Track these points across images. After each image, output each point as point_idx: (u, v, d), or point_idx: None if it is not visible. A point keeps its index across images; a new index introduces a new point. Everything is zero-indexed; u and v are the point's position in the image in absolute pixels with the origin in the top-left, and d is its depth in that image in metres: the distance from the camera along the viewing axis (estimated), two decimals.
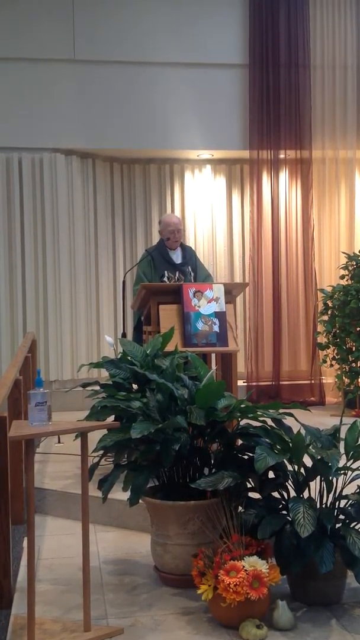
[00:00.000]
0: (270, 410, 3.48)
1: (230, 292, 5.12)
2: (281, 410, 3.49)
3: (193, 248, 6.28)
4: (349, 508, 3.25)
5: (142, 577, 3.56)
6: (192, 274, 5.61)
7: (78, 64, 7.73)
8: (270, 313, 8.04)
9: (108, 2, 7.74)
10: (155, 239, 8.22)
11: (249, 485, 3.39)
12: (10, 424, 3.17)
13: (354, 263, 7.29)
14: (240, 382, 6.37)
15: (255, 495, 3.37)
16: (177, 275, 5.53)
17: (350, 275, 7.31)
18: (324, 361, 7.32)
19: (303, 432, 3.31)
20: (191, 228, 8.39)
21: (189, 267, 5.62)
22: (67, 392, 6.67)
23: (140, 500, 3.38)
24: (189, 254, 5.75)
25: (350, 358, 7.06)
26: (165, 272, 5.53)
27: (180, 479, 3.57)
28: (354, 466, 3.28)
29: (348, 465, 3.25)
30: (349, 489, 3.30)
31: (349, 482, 3.30)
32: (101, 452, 3.56)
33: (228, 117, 7.98)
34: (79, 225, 7.90)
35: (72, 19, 7.66)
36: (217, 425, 3.50)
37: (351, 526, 3.17)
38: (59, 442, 5.88)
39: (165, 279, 5.50)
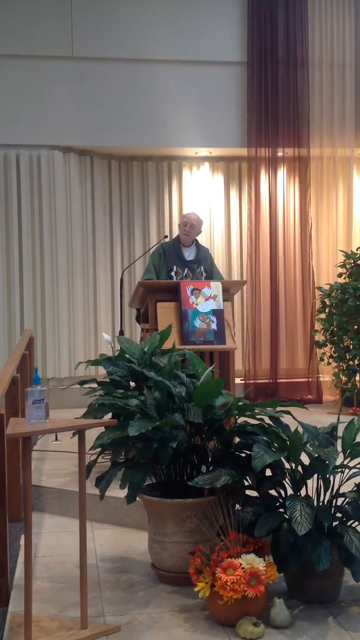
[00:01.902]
0: (268, 408, 3.48)
1: (228, 290, 5.12)
2: (279, 408, 3.49)
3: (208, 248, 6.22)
4: (346, 506, 3.25)
5: (139, 575, 3.56)
6: (205, 274, 5.57)
7: (76, 61, 7.71)
8: (268, 311, 8.05)
9: None
10: (153, 236, 8.25)
11: (246, 483, 3.39)
12: (7, 422, 3.17)
13: (352, 261, 7.29)
14: (237, 380, 6.36)
15: (252, 493, 3.37)
16: (185, 271, 5.50)
17: (347, 273, 7.32)
18: (322, 359, 7.32)
19: (300, 430, 3.31)
20: None
21: (202, 267, 5.58)
22: (65, 389, 6.66)
23: (137, 498, 3.38)
24: (204, 254, 5.70)
25: (347, 356, 7.06)
26: (175, 266, 5.51)
27: (177, 477, 3.57)
28: (351, 464, 3.28)
29: (345, 463, 3.25)
30: (346, 487, 3.30)
31: (346, 480, 3.31)
32: (98, 449, 3.56)
33: (226, 114, 7.97)
34: (76, 223, 7.90)
35: (70, 16, 7.65)
36: (214, 423, 3.50)
37: (348, 524, 3.17)
38: (56, 439, 5.88)
39: (173, 273, 5.49)
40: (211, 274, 5.61)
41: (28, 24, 7.58)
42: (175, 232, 6.11)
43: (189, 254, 5.62)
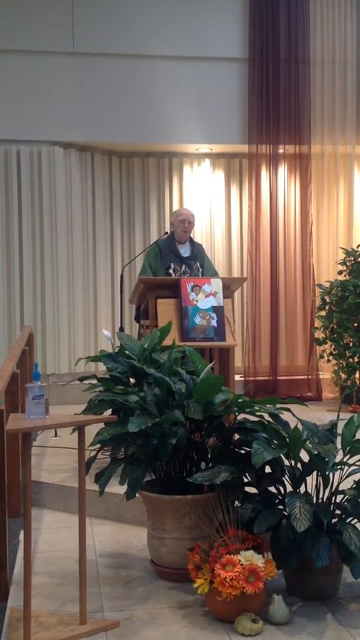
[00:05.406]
0: (268, 405, 3.48)
1: (228, 286, 5.12)
2: (278, 405, 3.50)
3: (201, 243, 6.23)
4: (345, 503, 3.26)
5: (139, 571, 3.57)
6: (201, 269, 5.59)
7: (77, 57, 7.70)
8: (268, 308, 8.05)
9: None
10: (153, 233, 8.24)
11: (245, 480, 3.40)
12: (7, 417, 3.17)
13: (352, 258, 7.29)
14: (237, 377, 6.36)
15: (252, 489, 3.37)
16: (183, 268, 5.50)
17: (348, 270, 7.32)
18: (321, 356, 7.32)
19: (300, 427, 3.31)
20: None
21: (198, 263, 5.60)
22: (65, 385, 6.67)
23: (137, 494, 3.39)
24: (198, 250, 5.72)
25: (347, 354, 7.06)
26: (172, 264, 5.51)
27: (177, 473, 3.57)
28: (351, 461, 3.28)
29: (345, 460, 3.26)
30: (346, 484, 3.31)
31: (346, 477, 3.31)
32: (98, 445, 3.56)
33: (227, 111, 7.96)
34: (77, 218, 7.89)
35: (71, 12, 7.63)
36: (214, 419, 3.51)
37: (347, 521, 3.18)
38: (56, 435, 5.89)
39: (171, 270, 5.49)
40: (204, 266, 5.62)
41: (29, 20, 7.57)
42: None
43: (185, 251, 5.63)
